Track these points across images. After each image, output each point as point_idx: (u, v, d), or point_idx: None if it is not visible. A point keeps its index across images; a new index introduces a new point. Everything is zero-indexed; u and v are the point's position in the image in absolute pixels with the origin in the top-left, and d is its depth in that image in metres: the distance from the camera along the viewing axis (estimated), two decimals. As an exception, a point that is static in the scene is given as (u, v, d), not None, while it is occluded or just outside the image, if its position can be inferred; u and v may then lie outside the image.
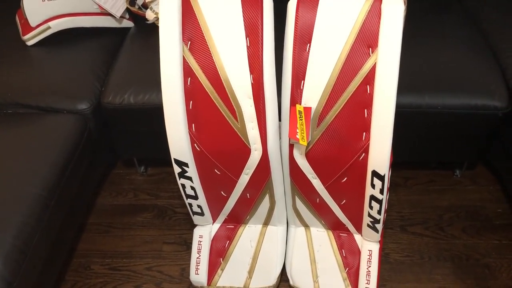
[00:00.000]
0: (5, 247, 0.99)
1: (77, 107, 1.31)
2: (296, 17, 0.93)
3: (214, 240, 1.29)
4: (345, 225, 1.23)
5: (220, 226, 1.31)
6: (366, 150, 1.00)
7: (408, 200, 1.51)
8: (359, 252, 1.23)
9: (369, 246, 1.20)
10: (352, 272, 1.22)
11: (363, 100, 0.96)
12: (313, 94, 0.97)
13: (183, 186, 1.14)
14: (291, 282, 1.25)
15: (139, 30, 1.55)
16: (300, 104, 0.98)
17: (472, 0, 1.59)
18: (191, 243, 1.29)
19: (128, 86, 1.32)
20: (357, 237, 1.25)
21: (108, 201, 1.57)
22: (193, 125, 1.04)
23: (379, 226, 1.13)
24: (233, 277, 1.25)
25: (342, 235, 1.27)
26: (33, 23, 1.41)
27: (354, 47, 0.93)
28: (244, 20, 0.94)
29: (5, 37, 1.49)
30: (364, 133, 0.99)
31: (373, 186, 1.03)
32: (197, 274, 1.25)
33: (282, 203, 1.21)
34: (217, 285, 1.25)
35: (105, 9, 1.48)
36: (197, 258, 1.26)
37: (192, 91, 1.01)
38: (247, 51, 0.95)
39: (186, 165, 1.08)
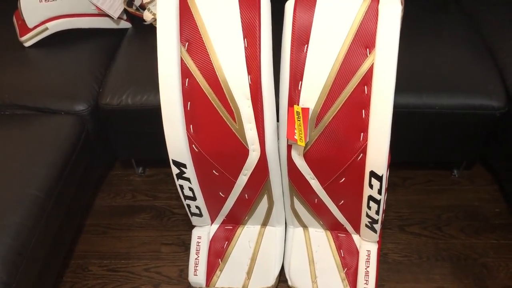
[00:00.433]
0: (2, 249, 0.99)
1: (75, 108, 1.31)
2: (293, 18, 0.93)
3: (213, 241, 1.29)
4: (343, 225, 1.23)
5: (219, 227, 1.31)
6: (364, 151, 1.00)
7: (406, 200, 1.51)
8: (357, 252, 1.23)
9: (367, 246, 1.20)
10: (350, 273, 1.22)
11: (360, 101, 0.96)
12: (311, 95, 0.97)
13: (181, 187, 1.13)
14: (289, 283, 1.25)
15: (136, 31, 1.55)
16: (298, 105, 0.98)
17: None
18: (189, 244, 1.29)
19: (126, 87, 1.32)
20: (355, 237, 1.25)
21: (106, 202, 1.56)
22: (191, 126, 1.04)
23: (377, 226, 1.13)
24: (231, 278, 1.25)
25: (340, 236, 1.27)
26: (30, 24, 1.41)
27: (352, 47, 0.93)
28: (241, 21, 0.94)
29: (2, 38, 1.49)
30: (362, 134, 0.99)
31: (371, 186, 1.03)
32: (196, 275, 1.25)
33: (280, 204, 1.21)
34: (216, 286, 1.25)
35: (102, 10, 1.47)
36: (195, 259, 1.26)
37: (190, 92, 1.01)
38: (245, 52, 0.95)
39: (184, 166, 1.08)
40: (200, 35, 0.97)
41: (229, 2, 0.94)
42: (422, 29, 1.45)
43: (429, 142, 1.43)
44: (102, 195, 1.58)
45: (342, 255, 1.24)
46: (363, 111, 0.97)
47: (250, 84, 0.97)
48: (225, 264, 1.27)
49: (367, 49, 0.92)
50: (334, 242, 1.27)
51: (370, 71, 0.93)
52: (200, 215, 1.23)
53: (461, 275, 1.31)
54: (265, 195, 1.17)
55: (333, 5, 0.92)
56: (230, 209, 1.23)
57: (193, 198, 1.17)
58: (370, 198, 1.06)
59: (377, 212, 1.08)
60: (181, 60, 0.99)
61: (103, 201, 1.57)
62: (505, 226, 1.42)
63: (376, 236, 1.17)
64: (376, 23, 0.90)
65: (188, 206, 1.20)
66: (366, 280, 1.17)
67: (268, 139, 1.02)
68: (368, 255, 1.19)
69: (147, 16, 1.50)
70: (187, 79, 1.00)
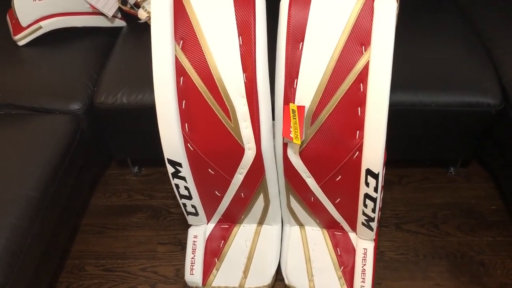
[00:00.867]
0: (-3, 249, 0.99)
1: (69, 108, 1.30)
2: (288, 16, 0.93)
3: (209, 240, 1.29)
4: (339, 223, 1.23)
5: (215, 226, 1.30)
6: (360, 149, 1.00)
7: (403, 198, 1.51)
8: (354, 251, 1.22)
9: (364, 244, 1.20)
10: (347, 271, 1.22)
11: (356, 99, 0.96)
12: (306, 93, 0.97)
13: (177, 186, 1.13)
14: (286, 281, 1.25)
15: (131, 29, 1.55)
16: (294, 103, 0.98)
17: (465, -3, 1.60)
18: (185, 244, 1.29)
19: (121, 86, 1.31)
20: (352, 235, 1.25)
21: (102, 201, 1.56)
22: (186, 124, 1.03)
23: (374, 224, 1.13)
24: (228, 277, 1.25)
25: (337, 234, 1.27)
26: (24, 23, 1.40)
27: (347, 45, 0.93)
28: (236, 19, 0.94)
29: (-4, 37, 1.48)
30: (357, 132, 0.99)
31: (367, 184, 1.03)
32: (192, 274, 1.25)
33: (276, 202, 1.21)
34: (212, 285, 1.25)
35: (97, 9, 1.47)
36: (192, 258, 1.25)
37: (184, 90, 1.00)
38: (240, 50, 0.95)
39: (180, 165, 1.07)
40: (195, 32, 0.96)
41: (223, -1, 0.94)
42: (417, 27, 1.45)
43: (425, 139, 1.43)
44: (97, 195, 1.58)
45: (339, 254, 1.24)
46: (359, 108, 0.96)
47: (245, 82, 0.96)
48: (222, 263, 1.27)
49: (363, 47, 0.92)
50: (331, 240, 1.26)
51: (365, 69, 0.93)
52: (196, 214, 1.23)
53: (457, 273, 1.31)
54: (261, 193, 1.16)
55: (329, 2, 0.92)
56: (226, 208, 1.22)
57: (189, 197, 1.16)
58: (366, 196, 1.06)
59: (374, 210, 1.08)
60: (176, 58, 0.98)
61: (98, 200, 1.56)
62: (501, 224, 1.43)
63: (372, 234, 1.17)
64: (372, 20, 0.90)
65: (184, 205, 1.19)
66: (363, 278, 1.17)
67: (264, 138, 1.01)
68: (365, 253, 1.19)
69: (141, 14, 1.49)
70: (182, 78, 0.99)
